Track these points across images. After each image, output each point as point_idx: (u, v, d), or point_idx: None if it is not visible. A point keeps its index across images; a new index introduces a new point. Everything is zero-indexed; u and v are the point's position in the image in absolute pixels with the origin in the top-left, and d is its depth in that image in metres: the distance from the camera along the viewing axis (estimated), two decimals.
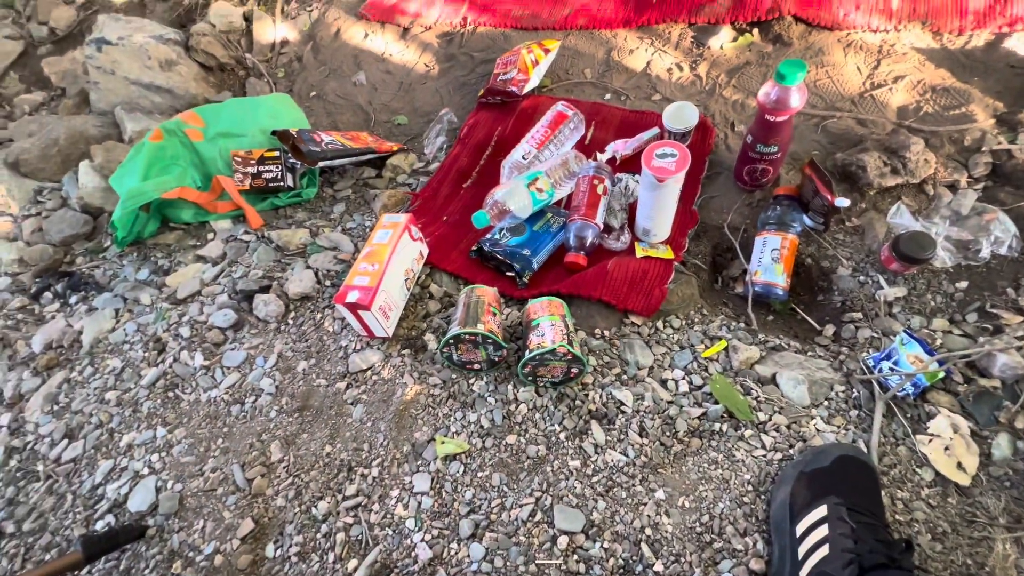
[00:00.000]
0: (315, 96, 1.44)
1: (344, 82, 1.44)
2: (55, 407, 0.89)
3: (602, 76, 1.25)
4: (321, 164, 1.12)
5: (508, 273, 0.96)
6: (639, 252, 0.94)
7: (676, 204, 0.92)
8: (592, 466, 0.73)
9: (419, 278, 0.97)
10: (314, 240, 1.07)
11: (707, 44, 1.20)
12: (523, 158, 1.05)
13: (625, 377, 0.81)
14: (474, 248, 0.99)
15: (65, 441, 0.84)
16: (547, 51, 1.23)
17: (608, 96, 1.22)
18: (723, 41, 1.20)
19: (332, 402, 0.83)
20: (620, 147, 1.08)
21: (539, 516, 0.69)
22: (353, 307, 0.81)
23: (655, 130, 1.09)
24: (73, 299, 1.05)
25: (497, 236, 0.98)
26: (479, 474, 0.73)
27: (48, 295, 1.07)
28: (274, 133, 1.15)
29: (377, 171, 1.24)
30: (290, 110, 1.27)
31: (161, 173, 1.09)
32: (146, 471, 0.79)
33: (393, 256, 0.86)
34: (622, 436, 0.75)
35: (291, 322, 0.93)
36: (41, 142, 1.30)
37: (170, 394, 0.87)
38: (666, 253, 0.93)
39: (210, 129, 1.15)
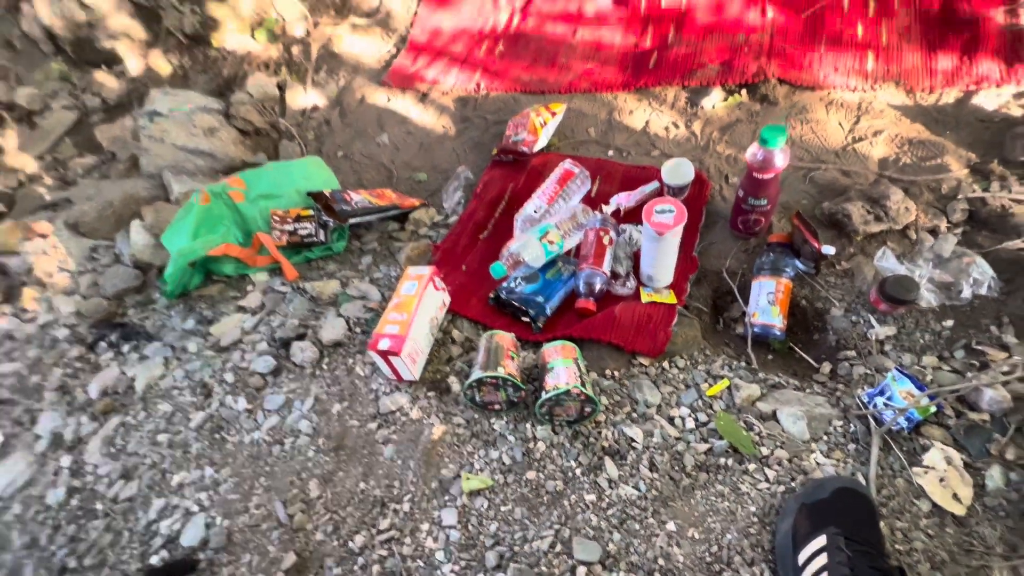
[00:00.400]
0: (342, 156, 1.57)
1: (369, 143, 1.58)
2: (112, 449, 0.97)
3: (605, 135, 1.36)
4: (351, 221, 1.23)
5: (524, 319, 1.04)
6: (644, 297, 1.02)
7: (677, 252, 1.00)
8: (607, 500, 0.78)
9: (442, 324, 1.05)
10: (344, 290, 1.16)
11: (700, 104, 1.32)
12: (535, 212, 1.15)
13: (635, 415, 0.87)
14: (492, 295, 1.08)
15: (121, 481, 0.92)
16: (554, 114, 1.35)
17: (611, 153, 1.33)
18: (715, 101, 1.31)
19: (365, 442, 0.90)
20: (623, 200, 1.18)
21: (559, 547, 0.74)
22: (384, 354, 0.89)
23: (655, 184, 1.19)
24: (126, 348, 1.15)
25: (513, 284, 1.07)
26: (502, 508, 0.79)
27: (103, 344, 1.17)
28: (310, 194, 1.28)
29: (400, 225, 1.35)
30: (321, 171, 1.40)
31: (208, 232, 1.20)
32: (196, 508, 0.86)
33: (419, 306, 0.95)
34: (634, 471, 0.80)
35: (325, 367, 1.02)
36: (98, 204, 1.44)
37: (216, 436, 0.95)
38: (669, 298, 1.01)
39: (251, 191, 1.28)
